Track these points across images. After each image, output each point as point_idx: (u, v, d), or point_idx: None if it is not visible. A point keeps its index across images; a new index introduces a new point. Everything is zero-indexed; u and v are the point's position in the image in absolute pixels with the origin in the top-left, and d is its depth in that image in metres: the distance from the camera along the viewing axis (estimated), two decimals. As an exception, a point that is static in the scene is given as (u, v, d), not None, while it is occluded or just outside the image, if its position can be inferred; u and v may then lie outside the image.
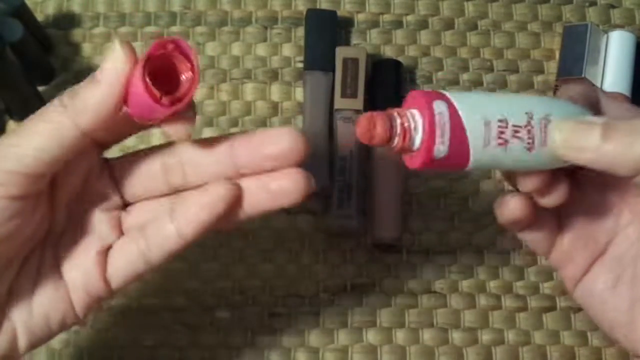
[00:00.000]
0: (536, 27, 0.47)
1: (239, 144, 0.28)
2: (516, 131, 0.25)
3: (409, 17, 0.47)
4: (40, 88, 0.44)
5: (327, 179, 0.42)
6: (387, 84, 0.44)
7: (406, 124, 0.25)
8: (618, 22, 0.48)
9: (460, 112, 0.25)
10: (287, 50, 0.46)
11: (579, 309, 0.41)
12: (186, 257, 0.42)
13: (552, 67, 0.46)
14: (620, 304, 0.31)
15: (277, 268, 0.42)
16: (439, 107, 0.25)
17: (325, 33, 0.45)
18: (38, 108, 0.42)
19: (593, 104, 0.29)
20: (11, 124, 0.44)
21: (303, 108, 0.44)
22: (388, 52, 0.46)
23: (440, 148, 0.25)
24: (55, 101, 0.26)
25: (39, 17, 0.46)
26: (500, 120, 0.25)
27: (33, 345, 0.29)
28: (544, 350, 0.41)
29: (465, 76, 0.46)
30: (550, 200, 0.29)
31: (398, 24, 0.47)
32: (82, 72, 0.45)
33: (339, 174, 0.42)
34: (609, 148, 0.25)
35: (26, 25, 0.41)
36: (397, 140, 0.25)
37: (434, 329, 0.41)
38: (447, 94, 0.25)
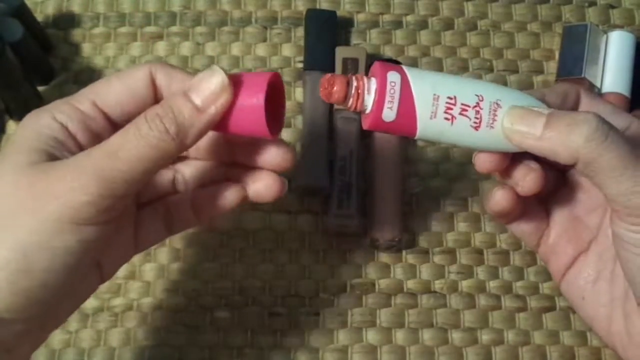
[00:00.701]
0: (536, 27, 0.47)
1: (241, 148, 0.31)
2: (464, 109, 0.28)
3: (409, 17, 0.47)
4: (40, 88, 0.44)
5: (327, 179, 0.42)
6: (387, 84, 0.44)
7: (360, 88, 0.28)
8: (617, 22, 0.48)
9: (411, 84, 0.27)
10: (286, 50, 0.46)
11: (579, 309, 0.41)
12: (186, 257, 0.42)
13: (551, 67, 0.46)
14: (600, 299, 0.32)
15: (277, 268, 0.42)
16: (393, 76, 0.27)
17: (325, 33, 0.45)
18: (38, 108, 0.42)
19: (570, 102, 0.31)
20: (11, 124, 0.44)
21: (303, 108, 0.44)
22: (388, 52, 0.46)
23: (389, 113, 0.27)
24: (159, 129, 0.26)
25: (39, 17, 0.46)
26: (449, 97, 0.28)
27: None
28: (544, 350, 0.41)
29: (465, 76, 0.46)
30: (524, 188, 0.30)
31: (398, 24, 0.47)
32: (82, 72, 0.45)
33: (339, 174, 0.42)
34: (549, 135, 0.27)
35: (26, 25, 0.42)
36: (351, 101, 0.28)
37: (434, 329, 0.41)
38: (406, 68, 0.28)
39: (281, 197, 0.31)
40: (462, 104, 0.28)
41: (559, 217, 0.34)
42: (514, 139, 0.28)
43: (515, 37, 0.47)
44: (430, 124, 0.28)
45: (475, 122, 0.28)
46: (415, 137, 0.28)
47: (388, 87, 0.27)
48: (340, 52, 0.44)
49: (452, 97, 0.28)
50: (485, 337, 0.41)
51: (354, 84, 0.28)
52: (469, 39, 0.47)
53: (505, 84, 0.46)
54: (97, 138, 0.28)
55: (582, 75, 0.43)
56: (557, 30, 0.47)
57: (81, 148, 0.28)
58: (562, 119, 0.28)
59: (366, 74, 0.29)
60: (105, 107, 0.29)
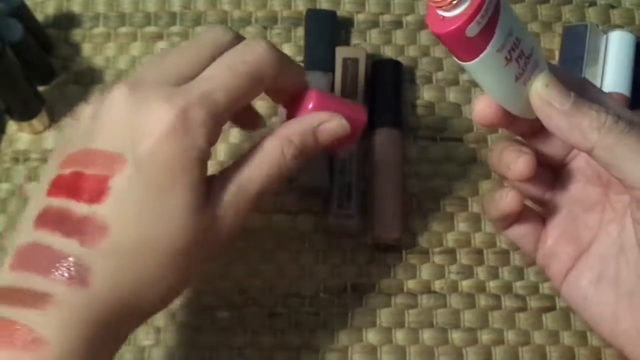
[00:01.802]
0: (536, 27, 0.47)
1: None
2: (520, 57, 0.27)
3: (409, 17, 0.47)
4: (40, 88, 0.44)
5: (327, 179, 0.42)
6: (387, 84, 0.44)
7: None
8: (618, 22, 0.48)
9: (501, 10, 0.26)
10: (287, 50, 0.46)
11: (579, 309, 0.41)
12: (186, 257, 0.42)
13: (551, 67, 0.46)
14: (604, 298, 0.32)
15: (277, 268, 0.42)
16: None
17: (325, 33, 0.45)
18: (38, 108, 0.43)
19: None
20: (11, 124, 0.44)
21: (303, 108, 0.44)
22: (388, 52, 0.46)
23: (474, 27, 0.26)
24: (289, 147, 0.32)
25: (39, 17, 0.46)
26: (517, 39, 0.27)
27: None
28: (544, 350, 0.41)
29: (465, 76, 0.46)
30: (515, 172, 0.31)
31: (398, 24, 0.47)
32: (82, 72, 0.45)
33: (339, 174, 0.42)
34: (576, 111, 0.28)
35: (26, 25, 0.42)
36: None
37: (434, 329, 0.41)
38: None
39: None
40: (521, 51, 0.27)
41: (557, 218, 0.34)
42: (539, 104, 0.29)
43: (515, 37, 0.47)
44: (493, 56, 0.27)
45: (519, 72, 0.28)
46: (471, 62, 0.27)
47: (487, 1, 0.25)
48: (340, 52, 0.44)
49: (519, 40, 0.27)
50: (485, 337, 0.41)
51: None
52: (469, 39, 0.47)
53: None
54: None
55: (582, 76, 0.43)
56: (557, 30, 0.47)
57: None
58: (585, 103, 0.28)
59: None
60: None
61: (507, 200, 0.32)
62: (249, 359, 0.40)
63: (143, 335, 0.40)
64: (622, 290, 0.31)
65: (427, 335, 0.41)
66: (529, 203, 0.36)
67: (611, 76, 0.44)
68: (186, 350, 0.40)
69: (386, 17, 0.47)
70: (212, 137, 0.29)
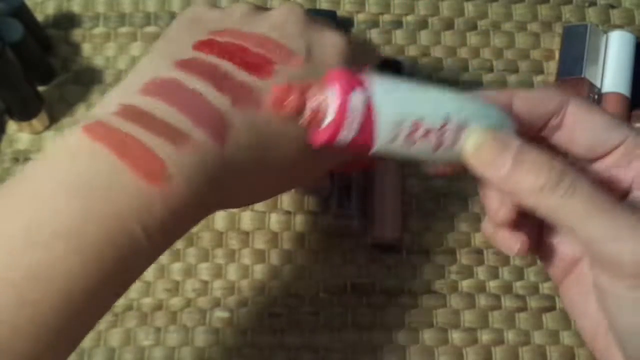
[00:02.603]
0: (536, 27, 0.47)
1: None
2: (427, 133, 0.26)
3: (409, 17, 0.47)
4: (40, 88, 0.44)
5: (327, 179, 0.42)
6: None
7: (319, 106, 0.26)
8: (618, 22, 0.48)
9: (376, 109, 0.25)
10: (287, 50, 0.46)
11: (579, 309, 0.41)
12: (185, 257, 0.42)
13: (551, 67, 0.46)
14: (589, 310, 0.30)
15: (276, 268, 0.42)
16: (356, 98, 0.25)
17: (325, 33, 0.45)
18: (38, 108, 0.43)
19: (544, 111, 0.28)
20: (11, 124, 0.44)
21: (303, 108, 0.44)
22: (388, 52, 0.46)
23: (345, 134, 0.25)
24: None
25: (39, 17, 0.46)
26: (414, 122, 0.25)
27: None
28: (544, 350, 0.41)
29: (465, 76, 0.46)
30: (496, 221, 0.29)
31: (398, 24, 0.47)
32: (82, 72, 0.45)
33: (339, 174, 0.42)
34: (513, 175, 0.25)
35: (26, 25, 0.41)
36: (304, 118, 0.26)
37: (434, 329, 0.41)
38: (372, 82, 0.25)
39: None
40: (426, 129, 0.26)
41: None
42: (474, 168, 0.27)
43: (515, 37, 0.47)
44: (387, 147, 0.26)
45: (436, 145, 0.26)
46: (371, 153, 0.26)
47: (349, 112, 0.25)
48: (340, 52, 0.44)
49: (417, 122, 0.26)
50: (485, 337, 0.41)
51: (313, 104, 0.26)
52: (469, 39, 0.47)
53: (505, 84, 0.46)
54: None
55: (582, 75, 0.43)
56: (557, 31, 0.47)
57: None
58: (528, 159, 0.26)
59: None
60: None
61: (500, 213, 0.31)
62: (249, 359, 0.40)
63: (143, 335, 0.40)
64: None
65: (427, 335, 0.41)
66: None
67: (611, 76, 0.44)
68: (186, 350, 0.40)
69: (386, 17, 0.47)
70: None
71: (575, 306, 0.30)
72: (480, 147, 0.26)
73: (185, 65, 0.27)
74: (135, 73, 0.28)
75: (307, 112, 0.26)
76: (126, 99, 0.26)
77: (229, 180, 0.27)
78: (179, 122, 0.26)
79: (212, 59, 0.28)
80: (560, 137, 0.29)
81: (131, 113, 0.26)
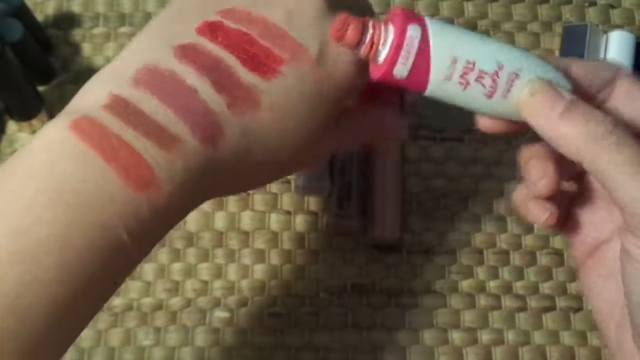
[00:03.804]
0: (536, 27, 0.47)
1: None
2: (481, 76, 0.26)
3: (409, 17, 0.47)
4: (40, 88, 0.44)
5: (327, 179, 0.42)
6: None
7: (376, 37, 0.26)
8: (617, 22, 0.48)
9: (431, 42, 0.26)
10: (287, 50, 0.46)
11: (579, 309, 0.41)
12: (185, 257, 0.42)
13: (551, 67, 0.46)
14: (606, 295, 0.30)
15: (276, 268, 0.42)
16: (413, 31, 0.25)
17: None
18: (38, 108, 0.43)
19: (600, 82, 0.28)
20: (11, 124, 0.44)
21: (303, 108, 0.44)
22: (388, 52, 0.46)
23: (401, 68, 0.26)
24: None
25: (39, 17, 0.46)
26: (468, 62, 0.26)
27: None
28: (544, 350, 0.41)
29: (465, 76, 0.46)
30: (535, 192, 0.29)
31: (398, 24, 0.47)
32: (82, 72, 0.45)
33: (339, 174, 0.42)
34: (564, 122, 0.26)
35: (26, 26, 0.41)
36: (363, 48, 0.26)
37: (434, 329, 0.41)
38: (428, 20, 0.26)
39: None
40: (480, 71, 0.26)
41: (590, 201, 0.32)
42: (526, 116, 0.27)
43: (515, 37, 0.47)
44: (442, 85, 0.26)
45: (489, 91, 0.26)
46: (425, 94, 0.27)
47: (406, 42, 0.25)
48: (340, 52, 0.44)
49: (471, 61, 0.26)
50: (485, 337, 0.41)
51: (370, 31, 0.26)
52: (469, 39, 0.47)
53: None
54: None
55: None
56: (557, 30, 0.47)
57: None
58: (580, 112, 0.26)
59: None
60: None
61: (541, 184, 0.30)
62: (249, 359, 0.40)
63: (143, 336, 0.40)
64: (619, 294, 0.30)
65: (427, 335, 0.41)
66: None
67: (611, 76, 0.44)
68: (186, 350, 0.40)
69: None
70: None
71: (594, 289, 0.31)
72: (534, 94, 0.26)
73: (185, 53, 0.26)
74: (131, 53, 0.27)
75: (366, 44, 0.26)
76: (117, 87, 0.25)
77: (219, 180, 0.27)
78: (171, 123, 0.25)
79: (215, 49, 0.26)
80: (607, 110, 0.29)
81: (121, 108, 0.25)
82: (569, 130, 0.26)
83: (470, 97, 0.27)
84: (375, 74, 0.27)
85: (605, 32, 0.45)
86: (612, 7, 0.48)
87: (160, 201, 0.24)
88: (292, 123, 0.28)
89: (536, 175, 0.29)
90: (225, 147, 0.26)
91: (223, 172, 0.27)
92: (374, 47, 0.26)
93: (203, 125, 0.25)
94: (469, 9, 0.48)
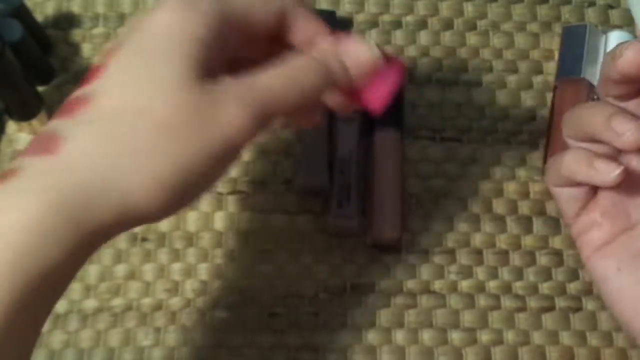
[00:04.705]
0: (535, 27, 0.47)
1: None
2: None
3: (408, 18, 0.47)
4: (40, 88, 0.44)
5: (327, 179, 0.42)
6: (387, 84, 0.44)
7: None
8: (617, 22, 0.48)
9: None
10: (286, 50, 0.46)
11: (578, 309, 0.41)
12: (185, 257, 0.42)
13: (551, 67, 0.46)
14: (630, 279, 0.31)
15: (276, 268, 0.42)
16: None
17: (324, 33, 0.45)
18: (38, 108, 0.43)
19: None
20: (11, 124, 0.44)
21: (303, 108, 0.44)
22: (388, 52, 0.46)
23: None
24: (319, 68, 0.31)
25: (39, 17, 0.46)
26: None
27: None
28: (543, 350, 0.41)
29: (464, 76, 0.46)
30: (625, 144, 0.30)
31: (397, 24, 0.47)
32: (81, 72, 0.45)
33: (339, 174, 0.42)
34: None
35: (26, 26, 0.41)
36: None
37: (433, 329, 0.41)
38: None
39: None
40: None
41: (610, 189, 0.33)
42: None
43: (514, 38, 0.47)
44: None
45: None
46: None
47: None
48: (340, 53, 0.44)
49: None
50: (484, 337, 0.41)
51: None
52: (469, 39, 0.47)
53: (504, 84, 0.46)
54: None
55: (582, 76, 0.43)
56: (557, 31, 0.47)
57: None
58: None
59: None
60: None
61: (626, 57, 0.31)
62: (249, 359, 0.40)
63: (143, 335, 0.40)
64: None
65: (426, 336, 0.41)
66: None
67: (610, 76, 0.44)
68: (186, 350, 0.40)
69: (386, 17, 0.47)
70: (217, 25, 0.28)
71: (615, 267, 0.31)
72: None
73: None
74: None
75: None
76: None
77: (94, 180, 0.26)
78: (16, 163, 0.26)
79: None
80: None
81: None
82: None
83: None
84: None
85: (605, 32, 0.45)
86: (611, 7, 0.48)
87: (10, 225, 0.25)
88: (140, 86, 0.28)
89: (624, 127, 0.30)
90: (72, 148, 0.26)
91: (88, 176, 0.26)
92: None
93: (37, 144, 0.27)
94: (469, 9, 0.48)
